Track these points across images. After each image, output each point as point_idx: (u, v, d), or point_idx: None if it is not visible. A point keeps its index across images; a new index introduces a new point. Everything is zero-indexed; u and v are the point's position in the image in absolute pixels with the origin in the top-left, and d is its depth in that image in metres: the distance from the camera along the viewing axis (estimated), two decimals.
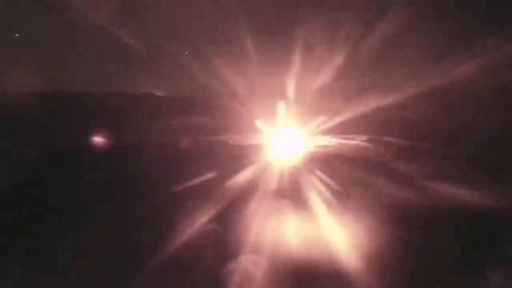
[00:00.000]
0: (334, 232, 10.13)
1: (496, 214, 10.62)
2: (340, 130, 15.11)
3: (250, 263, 9.21)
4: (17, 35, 15.14)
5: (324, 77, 14.42)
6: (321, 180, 11.83)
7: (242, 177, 11.74)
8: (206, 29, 15.22)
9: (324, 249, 9.62)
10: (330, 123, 14.86)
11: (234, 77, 14.52)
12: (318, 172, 12.19)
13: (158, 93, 17.10)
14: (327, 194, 11.33)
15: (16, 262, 9.29)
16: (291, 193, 11.35)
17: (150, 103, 16.33)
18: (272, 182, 11.79)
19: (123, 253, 9.45)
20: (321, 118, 14.63)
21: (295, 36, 14.21)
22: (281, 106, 14.60)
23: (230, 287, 8.88)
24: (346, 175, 11.88)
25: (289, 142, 14.50)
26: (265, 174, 12.10)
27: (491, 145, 13.70)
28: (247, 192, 11.14)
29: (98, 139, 13.55)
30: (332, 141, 14.84)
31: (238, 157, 12.89)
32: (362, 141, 15.13)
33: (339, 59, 14.39)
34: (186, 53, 14.23)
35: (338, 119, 14.78)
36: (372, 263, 9.24)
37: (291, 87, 14.45)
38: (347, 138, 15.21)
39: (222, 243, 9.71)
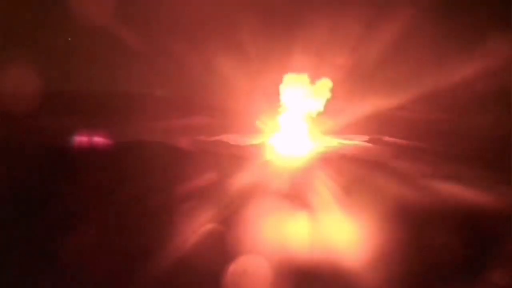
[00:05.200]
0: (335, 232, 10.14)
1: (496, 214, 10.63)
2: (341, 130, 15.14)
3: (250, 263, 9.22)
4: (69, 39, 15.19)
5: (324, 77, 14.46)
6: (322, 180, 11.83)
7: (242, 177, 11.73)
8: (206, 29, 15.23)
9: (325, 249, 9.62)
10: (331, 123, 14.89)
11: (234, 77, 14.53)
12: (319, 172, 12.19)
13: (158, 93, 17.09)
14: (328, 194, 11.33)
15: (16, 262, 9.28)
16: (292, 193, 11.35)
17: (150, 103, 16.31)
18: (272, 182, 11.78)
19: (123, 253, 9.45)
20: (322, 118, 14.66)
21: (296, 37, 14.23)
22: (281, 106, 14.62)
23: (231, 287, 8.89)
24: (347, 174, 11.88)
25: (290, 142, 14.51)
26: (265, 174, 12.09)
27: (490, 145, 13.72)
28: (247, 192, 11.13)
29: (98, 139, 13.54)
30: (333, 141, 14.86)
31: (238, 157, 12.88)
32: (363, 141, 15.16)
33: (340, 60, 14.41)
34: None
35: (339, 120, 14.82)
36: (373, 263, 9.25)
37: (291, 87, 14.47)
38: (348, 138, 15.24)
39: (222, 243, 9.71)
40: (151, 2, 15.79)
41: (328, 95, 14.37)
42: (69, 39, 15.03)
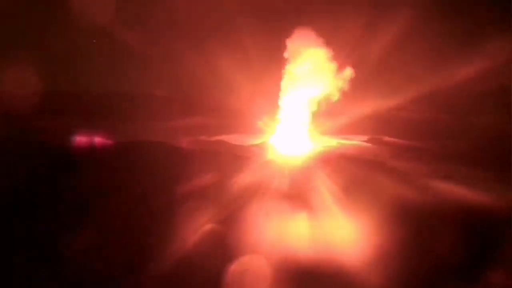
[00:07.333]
0: (335, 232, 10.14)
1: (496, 214, 10.64)
2: (341, 130, 15.16)
3: (251, 263, 9.23)
4: (94, 41, 15.22)
5: (325, 78, 14.46)
6: (322, 180, 11.84)
7: (243, 177, 11.73)
8: (207, 30, 15.26)
9: (325, 249, 9.63)
10: (331, 123, 14.91)
11: (235, 77, 14.55)
12: (319, 171, 12.19)
13: (158, 93, 17.13)
14: (328, 193, 11.34)
15: (17, 262, 9.28)
16: (292, 193, 11.35)
17: (150, 103, 16.33)
18: (273, 182, 11.78)
19: (124, 253, 9.45)
20: (322, 119, 14.67)
21: (297, 38, 14.23)
22: (282, 106, 14.61)
23: (231, 287, 8.89)
24: (346, 174, 11.88)
25: (291, 142, 14.52)
26: (266, 174, 12.09)
27: (490, 145, 13.73)
28: (248, 192, 11.13)
29: (98, 139, 13.54)
30: (332, 141, 14.87)
31: (239, 157, 12.88)
32: (362, 141, 15.18)
33: (340, 61, 14.41)
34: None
35: (338, 120, 14.84)
36: (373, 263, 9.26)
37: (292, 88, 14.47)
38: (347, 138, 15.25)
39: (223, 243, 9.72)
40: (151, 2, 15.82)
41: (343, 88, 14.04)
42: (94, 41, 15.04)
